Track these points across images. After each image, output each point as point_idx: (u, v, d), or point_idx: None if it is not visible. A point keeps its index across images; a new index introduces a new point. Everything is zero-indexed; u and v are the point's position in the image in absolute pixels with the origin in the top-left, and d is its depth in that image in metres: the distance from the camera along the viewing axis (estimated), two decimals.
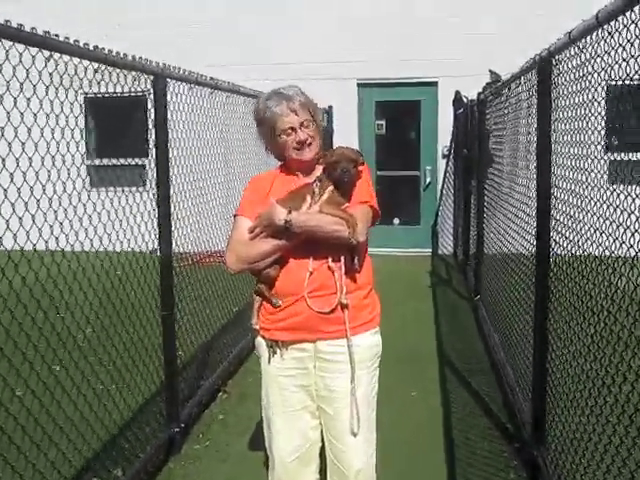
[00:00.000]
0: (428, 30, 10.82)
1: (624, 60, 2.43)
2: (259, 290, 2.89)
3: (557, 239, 3.65)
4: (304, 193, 2.85)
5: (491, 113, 6.92)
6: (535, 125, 3.94)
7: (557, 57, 3.49)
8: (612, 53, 2.58)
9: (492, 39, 10.40)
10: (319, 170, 2.93)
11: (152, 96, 4.10)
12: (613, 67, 2.62)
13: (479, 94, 7.57)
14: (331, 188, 2.82)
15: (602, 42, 2.69)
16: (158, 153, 4.12)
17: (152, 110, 4.15)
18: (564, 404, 3.60)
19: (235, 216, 2.99)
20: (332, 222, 2.73)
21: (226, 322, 6.01)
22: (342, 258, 2.79)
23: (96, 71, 3.49)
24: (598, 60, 2.79)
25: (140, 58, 3.94)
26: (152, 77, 4.08)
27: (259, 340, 2.95)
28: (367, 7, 11.02)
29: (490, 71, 6.21)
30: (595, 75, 2.91)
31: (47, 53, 2.96)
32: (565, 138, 3.58)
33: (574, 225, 3.28)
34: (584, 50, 3.09)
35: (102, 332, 4.16)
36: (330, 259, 2.78)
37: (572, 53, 3.25)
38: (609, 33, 2.59)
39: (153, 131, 4.13)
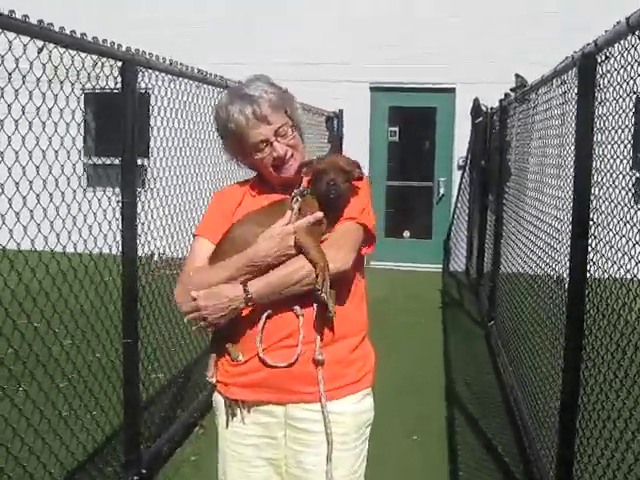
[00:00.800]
0: (447, 34, 10.34)
1: None
2: (214, 339, 2.27)
3: (596, 260, 3.05)
4: (278, 210, 2.22)
5: (514, 122, 6.29)
6: (571, 135, 3.31)
7: (605, 51, 2.84)
8: None
9: (514, 45, 9.88)
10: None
11: (119, 85, 3.49)
12: None
13: (501, 101, 6.94)
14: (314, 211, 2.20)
15: None
16: (125, 152, 3.51)
17: (127, 102, 3.52)
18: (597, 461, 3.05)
19: (194, 236, 2.38)
20: (295, 270, 2.11)
21: (208, 344, 5.36)
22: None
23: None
24: None
25: (112, 43, 3.35)
26: (120, 64, 3.48)
27: (216, 397, 2.32)
28: (379, 6, 10.56)
29: (516, 75, 5.59)
30: None
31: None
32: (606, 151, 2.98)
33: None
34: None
35: (82, 344, 3.72)
36: (296, 300, 2.16)
37: (625, 46, 2.62)
38: None
39: (125, 128, 3.50)
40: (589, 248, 3.10)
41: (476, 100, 9.89)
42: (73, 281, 3.54)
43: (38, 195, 3.01)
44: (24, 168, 2.99)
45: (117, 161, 3.91)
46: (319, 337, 2.15)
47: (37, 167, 3.03)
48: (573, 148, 3.25)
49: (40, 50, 2.88)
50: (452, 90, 10.59)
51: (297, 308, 2.14)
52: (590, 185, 3.05)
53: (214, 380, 2.28)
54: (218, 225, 2.30)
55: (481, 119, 9.34)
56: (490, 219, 8.26)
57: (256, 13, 10.85)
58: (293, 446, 2.20)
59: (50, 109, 3.10)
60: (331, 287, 2.10)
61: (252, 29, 10.77)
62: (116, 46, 3.37)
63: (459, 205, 10.85)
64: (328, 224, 2.19)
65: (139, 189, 4.10)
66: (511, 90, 5.72)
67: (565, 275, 3.64)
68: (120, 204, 3.57)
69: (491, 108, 8.61)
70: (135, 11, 10.89)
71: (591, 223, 3.09)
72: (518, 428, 4.62)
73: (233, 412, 2.22)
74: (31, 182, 3.02)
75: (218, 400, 2.30)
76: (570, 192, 3.33)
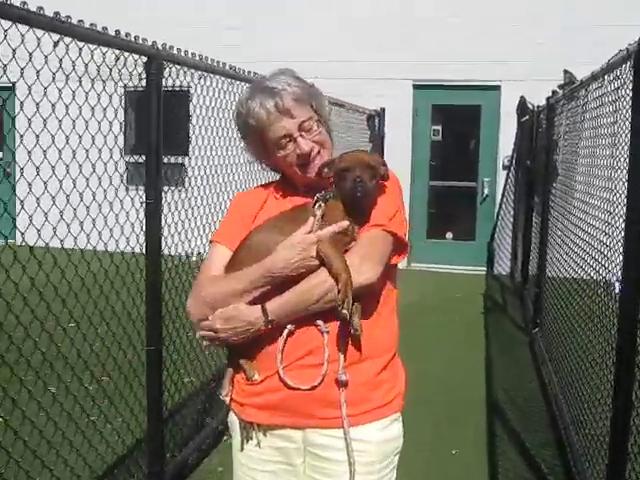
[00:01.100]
0: (493, 30, 10.03)
1: None
2: (230, 355, 2.10)
3: None
4: (300, 216, 2.03)
5: (562, 120, 6.00)
6: (624, 134, 3.06)
7: None
8: None
9: (562, 42, 9.56)
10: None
11: (144, 82, 3.34)
12: None
13: (548, 98, 6.65)
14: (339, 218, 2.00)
15: None
16: (150, 151, 3.37)
17: (152, 99, 3.37)
18: None
19: (211, 242, 2.20)
20: (316, 285, 1.92)
21: None
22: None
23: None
24: None
25: (136, 37, 3.22)
26: (145, 59, 3.33)
27: (231, 417, 2.13)
28: (428, 3, 10.28)
29: (564, 71, 5.31)
30: None
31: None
32: None
33: None
34: None
35: (112, 346, 3.65)
36: (319, 314, 1.96)
37: None
38: None
39: (149, 125, 3.36)
40: None
41: (522, 98, 9.62)
42: (114, 279, 3.56)
43: (81, 194, 3.06)
44: (67, 166, 2.97)
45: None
46: (342, 355, 1.95)
47: (80, 165, 3.06)
48: (627, 148, 2.99)
49: (56, 44, 2.75)
50: (497, 88, 10.30)
51: (321, 323, 1.95)
52: None
53: (228, 399, 2.10)
54: (237, 231, 2.13)
55: (527, 117, 9.10)
56: (536, 221, 8.00)
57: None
58: (313, 474, 2.00)
59: (93, 107, 3.19)
60: (356, 301, 1.91)
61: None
62: (140, 40, 3.23)
63: (504, 206, 10.54)
64: (354, 228, 1.99)
65: (179, 187, 4.14)
66: (559, 87, 5.45)
67: (615, 282, 3.41)
68: (145, 205, 3.42)
69: (538, 106, 8.36)
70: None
71: None
72: (563, 444, 4.36)
73: (248, 435, 2.03)
74: (74, 180, 3.03)
75: (233, 421, 2.11)
76: (623, 195, 3.08)
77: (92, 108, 3.21)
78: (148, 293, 3.45)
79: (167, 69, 3.46)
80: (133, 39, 3.19)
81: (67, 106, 2.89)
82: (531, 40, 9.80)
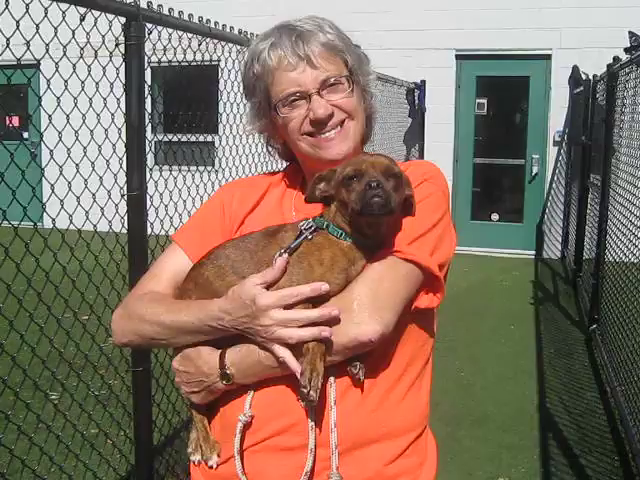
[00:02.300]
0: None
1: None
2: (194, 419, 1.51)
3: None
4: (284, 241, 1.40)
5: (627, 89, 5.27)
6: None
7: None
8: None
9: (618, 5, 8.67)
10: None
11: (122, 47, 2.74)
12: None
13: (609, 66, 5.90)
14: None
15: None
16: (129, 129, 2.77)
17: (132, 69, 2.78)
18: None
19: (171, 240, 1.63)
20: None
21: None
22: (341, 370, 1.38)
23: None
24: None
25: None
26: (124, 20, 2.73)
27: None
28: None
29: (631, 34, 4.56)
30: None
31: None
32: None
33: None
34: None
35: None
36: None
37: None
38: None
39: (123, 98, 2.77)
40: None
41: (575, 67, 8.96)
42: None
43: (101, 177, 2.72)
44: (85, 148, 2.64)
45: (185, 138, 3.91)
46: (335, 435, 1.33)
47: (99, 146, 2.71)
48: None
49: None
50: (548, 57, 9.58)
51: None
52: None
53: (197, 459, 1.48)
54: (208, 236, 1.55)
55: (581, 89, 8.46)
56: (591, 202, 7.31)
57: None
58: None
59: (112, 83, 2.87)
60: (361, 360, 1.31)
61: None
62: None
63: (554, 185, 9.84)
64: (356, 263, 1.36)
65: (209, 168, 3.94)
66: (625, 50, 4.71)
67: None
68: (125, 197, 2.83)
69: (594, 76, 7.66)
70: None
71: None
72: (631, 473, 3.70)
73: None
74: (93, 163, 2.70)
75: None
76: None
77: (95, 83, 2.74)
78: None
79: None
80: None
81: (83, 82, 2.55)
82: (585, 3, 8.99)
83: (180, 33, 3.19)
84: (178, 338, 1.40)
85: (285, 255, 1.33)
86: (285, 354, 1.29)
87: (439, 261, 1.40)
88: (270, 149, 1.67)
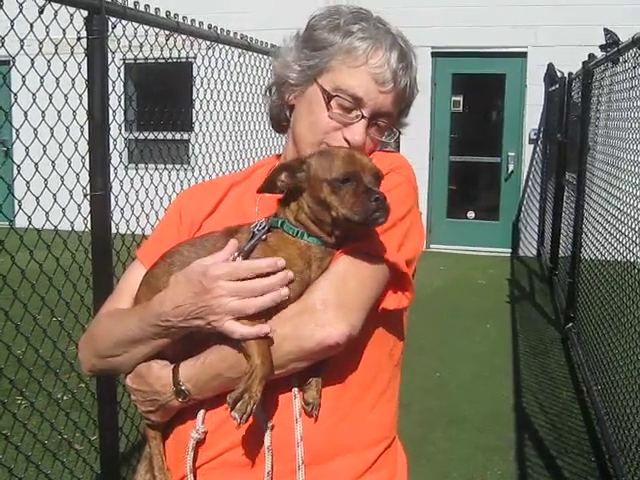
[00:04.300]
0: None
1: None
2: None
3: None
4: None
5: (602, 87, 5.25)
6: None
7: None
8: None
9: (595, 3, 8.73)
10: None
11: (84, 42, 2.64)
12: None
13: (585, 63, 5.88)
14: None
15: None
16: (92, 127, 2.67)
17: (94, 64, 2.68)
18: None
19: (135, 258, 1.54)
20: (225, 357, 1.25)
21: None
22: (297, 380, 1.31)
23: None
24: None
25: None
26: (86, 14, 2.63)
27: None
28: None
29: (605, 31, 4.53)
30: None
31: None
32: None
33: None
34: None
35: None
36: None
37: None
38: None
39: (85, 94, 2.68)
40: None
41: (550, 65, 8.99)
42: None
43: (78, 174, 2.73)
44: (61, 145, 2.65)
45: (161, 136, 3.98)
46: (301, 452, 1.25)
47: (75, 143, 2.71)
48: None
49: None
50: (523, 55, 9.61)
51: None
52: None
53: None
54: (166, 246, 1.44)
55: (557, 86, 8.49)
56: (567, 199, 7.31)
57: None
58: None
59: (74, 79, 2.77)
60: (315, 373, 1.26)
61: None
62: None
63: (530, 183, 9.89)
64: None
65: (185, 166, 3.99)
66: (601, 48, 4.68)
67: None
68: (89, 197, 2.73)
69: (569, 73, 7.69)
70: None
71: None
72: (608, 474, 3.66)
73: None
74: (69, 160, 2.72)
75: None
76: None
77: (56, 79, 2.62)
78: (95, 295, 2.78)
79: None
80: None
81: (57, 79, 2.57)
82: (560, 1, 9.00)
83: (146, 28, 3.11)
84: (131, 351, 1.31)
85: (239, 258, 1.24)
86: (243, 329, 1.19)
87: (407, 257, 1.32)
88: (270, 99, 1.54)
